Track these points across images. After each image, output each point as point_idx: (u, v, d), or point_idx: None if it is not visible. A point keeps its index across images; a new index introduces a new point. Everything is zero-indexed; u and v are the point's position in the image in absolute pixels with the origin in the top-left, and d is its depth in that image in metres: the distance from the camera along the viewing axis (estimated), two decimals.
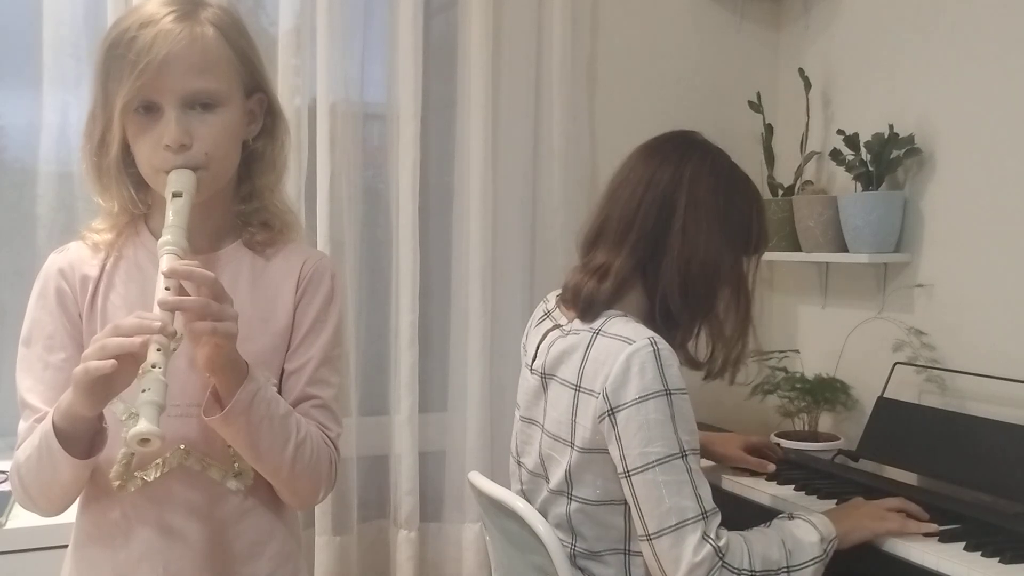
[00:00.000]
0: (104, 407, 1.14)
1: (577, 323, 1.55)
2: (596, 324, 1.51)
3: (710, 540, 1.38)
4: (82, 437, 1.16)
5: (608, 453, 1.45)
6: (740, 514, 1.62)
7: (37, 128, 2.02)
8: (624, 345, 1.44)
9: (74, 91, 2.01)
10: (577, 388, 1.49)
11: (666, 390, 1.41)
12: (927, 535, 1.60)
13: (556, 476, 1.53)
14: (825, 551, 1.49)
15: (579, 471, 1.49)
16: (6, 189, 2.08)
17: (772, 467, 1.97)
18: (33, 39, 2.00)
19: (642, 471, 1.40)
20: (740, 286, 1.58)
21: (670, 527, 1.39)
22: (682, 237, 1.52)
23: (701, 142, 1.63)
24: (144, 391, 1.06)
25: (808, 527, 1.51)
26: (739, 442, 2.00)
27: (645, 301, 1.56)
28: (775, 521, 1.55)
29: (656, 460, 1.39)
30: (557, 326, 1.60)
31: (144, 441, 1.05)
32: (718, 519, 1.42)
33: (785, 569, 1.44)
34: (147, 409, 1.05)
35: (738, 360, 1.59)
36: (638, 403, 1.40)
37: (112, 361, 1.06)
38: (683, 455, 1.41)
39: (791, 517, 1.56)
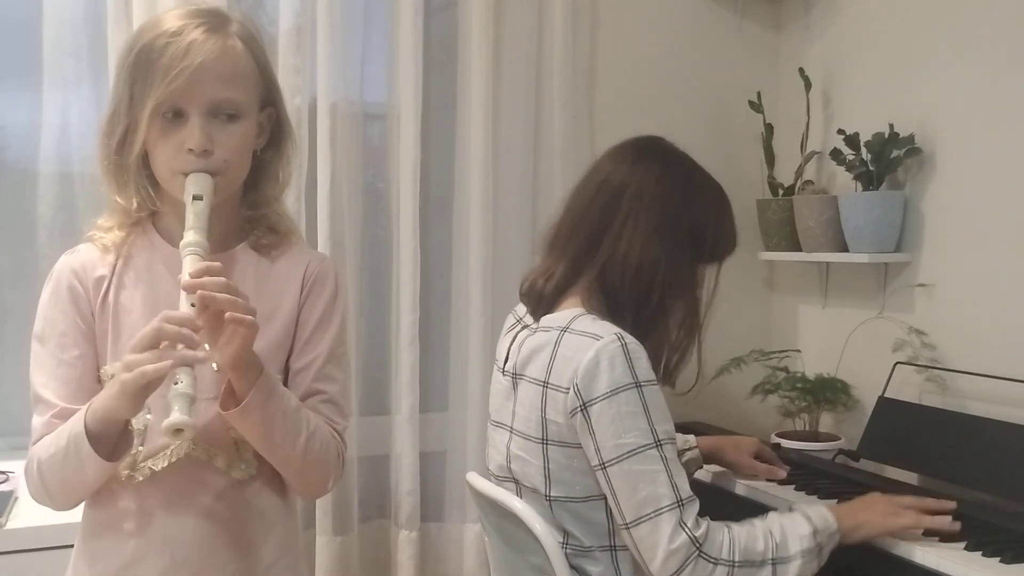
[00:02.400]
0: (141, 408, 1.19)
1: (545, 321, 1.56)
2: (564, 322, 1.52)
3: (685, 528, 1.39)
4: (111, 439, 1.20)
5: (580, 448, 1.47)
6: (746, 516, 1.61)
7: (37, 128, 2.02)
8: (592, 341, 1.45)
9: (74, 91, 2.01)
10: (545, 385, 1.50)
11: (636, 383, 1.43)
12: (929, 533, 1.59)
13: (530, 477, 1.54)
14: (819, 544, 1.47)
15: (559, 470, 1.50)
16: (6, 189, 2.08)
17: (783, 473, 1.94)
18: (33, 39, 2.00)
19: (617, 462, 1.42)
20: (689, 293, 1.56)
21: (646, 515, 1.41)
22: (616, 240, 1.53)
23: (664, 147, 1.62)
24: (176, 383, 1.13)
25: (801, 520, 1.49)
26: (750, 448, 1.96)
27: (598, 296, 1.56)
28: (770, 513, 1.53)
29: (630, 451, 1.41)
30: (526, 326, 1.61)
31: (178, 431, 1.11)
32: (695, 507, 1.43)
33: (771, 561, 1.43)
34: (180, 400, 1.12)
35: (677, 366, 1.57)
36: (610, 396, 1.42)
37: (165, 365, 1.12)
38: (658, 444, 1.42)
39: (790, 509, 1.55)
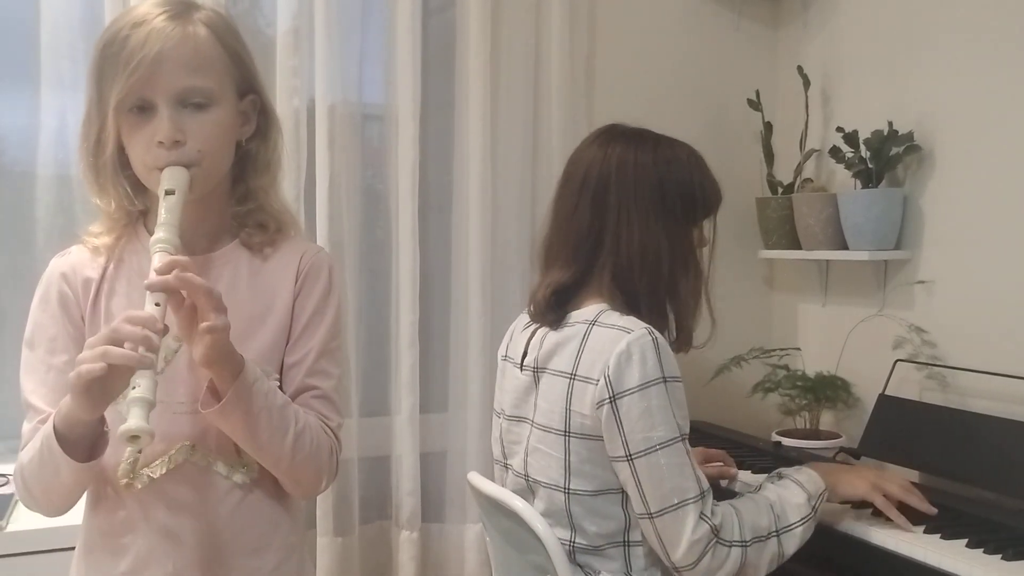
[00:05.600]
0: (104, 410, 1.15)
1: (569, 317, 1.57)
2: (590, 316, 1.53)
3: (707, 518, 1.45)
4: (83, 440, 1.17)
5: (602, 440, 1.48)
6: None
7: (35, 131, 2.02)
8: (622, 334, 1.47)
9: (72, 94, 2.00)
10: (572, 377, 1.51)
11: (664, 377, 1.46)
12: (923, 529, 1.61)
13: (548, 470, 1.54)
14: (814, 508, 1.55)
15: (579, 462, 1.51)
16: (5, 192, 2.08)
17: (734, 471, 1.97)
18: (31, 41, 2.00)
19: (645, 454, 1.45)
20: (689, 256, 1.60)
21: (672, 506, 1.45)
22: (616, 232, 1.55)
23: (623, 129, 1.64)
24: (133, 388, 1.08)
25: (796, 488, 1.56)
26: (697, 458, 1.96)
27: (615, 292, 1.57)
28: (764, 483, 1.60)
29: (659, 444, 1.45)
30: (546, 323, 1.61)
31: (134, 439, 1.06)
32: (711, 497, 1.49)
33: (775, 532, 1.51)
34: (136, 406, 1.07)
35: (689, 324, 1.60)
36: (641, 390, 1.44)
37: (103, 364, 1.08)
38: (682, 438, 1.47)
39: (780, 477, 1.60)
